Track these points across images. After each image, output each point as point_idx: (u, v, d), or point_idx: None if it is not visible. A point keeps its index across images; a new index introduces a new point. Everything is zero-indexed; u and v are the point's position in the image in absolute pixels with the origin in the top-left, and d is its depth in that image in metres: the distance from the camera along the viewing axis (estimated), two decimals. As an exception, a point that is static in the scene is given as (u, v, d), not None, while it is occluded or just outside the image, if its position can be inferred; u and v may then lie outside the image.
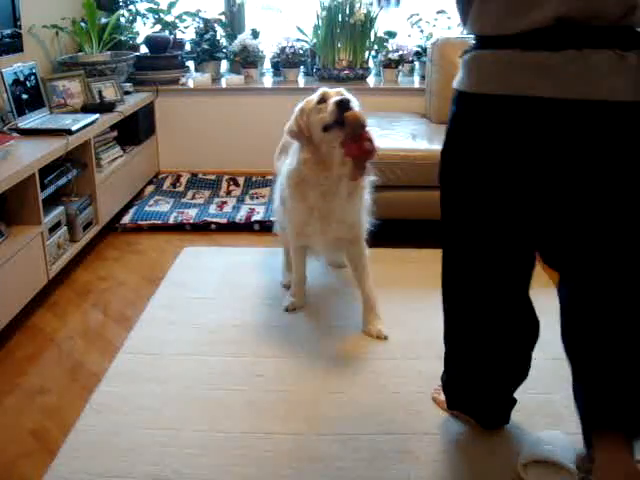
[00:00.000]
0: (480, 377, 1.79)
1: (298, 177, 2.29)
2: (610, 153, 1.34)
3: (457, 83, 1.49)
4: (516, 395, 1.89)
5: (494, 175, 1.45)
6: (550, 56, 1.30)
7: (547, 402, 2.02)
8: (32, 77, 3.13)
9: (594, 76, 1.29)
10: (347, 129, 2.08)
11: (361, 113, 2.12)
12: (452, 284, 1.73)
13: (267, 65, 4.41)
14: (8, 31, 3.03)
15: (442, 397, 1.98)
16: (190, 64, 4.33)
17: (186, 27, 4.24)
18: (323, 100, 2.21)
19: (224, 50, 4.23)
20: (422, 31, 4.15)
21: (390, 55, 4.07)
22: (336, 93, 2.21)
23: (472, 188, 1.52)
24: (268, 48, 4.28)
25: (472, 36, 1.47)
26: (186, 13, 4.20)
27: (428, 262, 2.98)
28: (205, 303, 2.64)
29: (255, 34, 4.25)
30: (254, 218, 3.45)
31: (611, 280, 1.45)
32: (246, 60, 4.12)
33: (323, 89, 2.26)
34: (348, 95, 2.20)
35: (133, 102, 3.68)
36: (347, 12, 3.99)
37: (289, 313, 2.56)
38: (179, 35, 4.25)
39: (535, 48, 1.31)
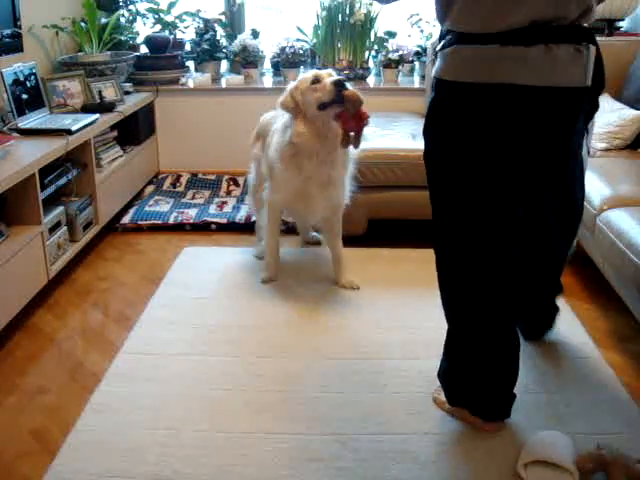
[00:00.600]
0: (482, 359, 1.83)
1: (293, 149, 2.49)
2: (565, 127, 1.65)
3: (437, 72, 1.67)
4: (517, 395, 1.89)
5: (476, 148, 1.64)
6: (525, 50, 1.52)
7: (547, 402, 2.02)
8: (32, 77, 3.13)
9: (559, 67, 1.55)
10: (347, 105, 2.33)
11: (356, 91, 2.36)
12: (453, 259, 1.83)
13: (267, 65, 4.42)
14: (8, 31, 3.03)
15: (442, 397, 1.99)
16: (190, 64, 4.33)
17: (186, 27, 4.24)
18: (317, 80, 2.43)
19: (224, 50, 4.23)
20: (422, 31, 4.16)
21: (390, 55, 4.07)
22: (327, 74, 2.45)
23: (460, 161, 1.68)
24: (268, 48, 4.28)
25: (450, 32, 1.64)
26: (186, 13, 4.20)
27: (427, 262, 2.97)
28: (205, 303, 2.64)
29: (255, 34, 4.25)
30: (254, 218, 3.45)
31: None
32: (246, 60, 4.12)
33: (314, 71, 2.52)
34: (340, 76, 2.47)
35: (133, 102, 3.68)
36: (347, 12, 3.99)
37: (267, 284, 2.77)
38: (179, 35, 4.25)
39: (513, 44, 1.53)
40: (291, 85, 2.53)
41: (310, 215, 2.72)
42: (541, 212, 1.96)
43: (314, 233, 3.18)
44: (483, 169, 1.65)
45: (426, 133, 1.75)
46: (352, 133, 2.36)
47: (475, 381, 1.87)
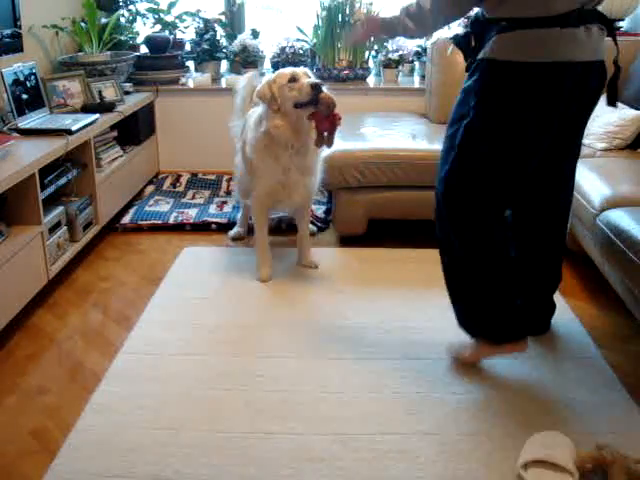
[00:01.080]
0: (501, 286, 2.09)
1: (269, 140, 2.63)
2: (596, 94, 2.02)
3: (497, 54, 1.86)
4: (516, 395, 1.89)
5: (543, 114, 1.92)
6: (576, 31, 1.82)
7: (547, 402, 2.02)
8: (32, 77, 3.13)
9: (594, 44, 1.88)
10: (321, 107, 2.49)
11: (331, 94, 2.52)
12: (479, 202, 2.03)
13: (267, 65, 4.41)
14: (8, 31, 3.02)
15: (466, 353, 2.19)
16: (190, 64, 4.33)
17: (186, 27, 4.24)
18: (294, 79, 2.56)
19: (224, 50, 4.23)
20: (422, 31, 4.15)
21: (390, 55, 4.07)
22: (304, 74, 2.59)
23: (529, 125, 1.93)
24: (268, 48, 4.28)
25: (503, 19, 1.85)
26: (186, 13, 4.20)
27: (427, 262, 2.98)
28: (205, 303, 2.64)
29: (255, 34, 4.25)
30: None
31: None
32: (246, 60, 4.12)
33: (292, 69, 2.63)
34: (316, 78, 2.61)
35: (133, 102, 3.68)
36: (347, 12, 3.99)
37: (265, 282, 2.81)
38: (179, 35, 4.25)
39: (569, 26, 1.81)
40: (269, 77, 2.64)
41: (289, 203, 2.83)
42: (557, 170, 2.16)
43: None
44: (529, 136, 1.93)
45: (478, 108, 1.92)
46: (325, 133, 2.53)
47: (490, 302, 2.10)
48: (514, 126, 1.91)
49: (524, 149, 1.95)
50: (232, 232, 3.26)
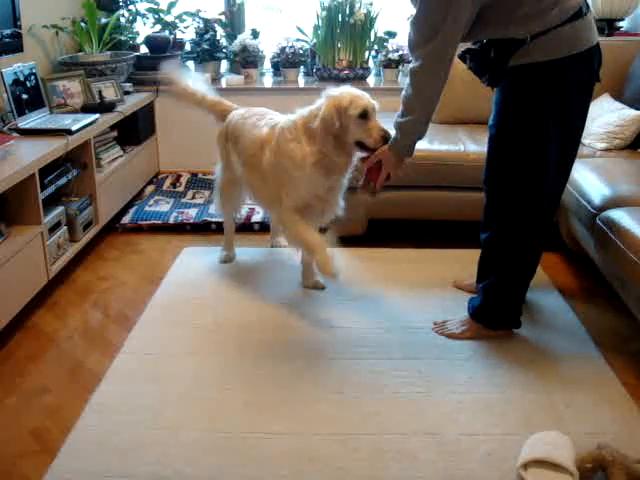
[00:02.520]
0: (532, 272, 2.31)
1: (321, 157, 2.38)
2: (598, 72, 2.12)
3: (564, 52, 1.98)
4: (516, 395, 1.89)
5: (588, 96, 2.12)
6: (588, 18, 2.02)
7: (547, 402, 2.02)
8: (32, 77, 3.13)
9: (595, 27, 2.08)
10: (376, 158, 2.30)
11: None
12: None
13: (267, 65, 4.42)
14: (8, 31, 3.03)
15: (456, 331, 2.37)
16: (190, 64, 4.33)
17: (186, 27, 4.24)
18: (365, 115, 2.31)
19: (224, 50, 4.23)
20: (422, 31, 4.14)
21: (390, 55, 4.07)
22: (373, 109, 2.34)
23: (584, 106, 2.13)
24: (268, 48, 4.28)
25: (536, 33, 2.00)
26: (186, 13, 4.20)
27: (427, 262, 2.99)
28: (205, 303, 2.64)
29: (255, 34, 4.25)
30: (254, 218, 3.45)
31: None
32: (246, 60, 4.12)
33: (362, 97, 2.35)
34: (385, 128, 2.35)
35: (133, 102, 3.68)
36: (347, 12, 3.99)
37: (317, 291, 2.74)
38: (179, 35, 4.25)
39: (583, 16, 1.99)
40: (335, 102, 2.32)
41: (318, 219, 2.61)
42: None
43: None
44: (581, 120, 2.12)
45: (541, 110, 2.04)
46: (371, 183, 2.36)
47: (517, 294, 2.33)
48: (575, 115, 2.08)
49: (580, 133, 2.15)
50: (221, 256, 3.01)
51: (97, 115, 3.18)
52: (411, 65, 2.08)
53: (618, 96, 3.28)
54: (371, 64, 4.26)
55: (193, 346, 2.34)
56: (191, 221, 3.43)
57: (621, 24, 3.89)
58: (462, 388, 2.09)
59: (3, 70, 2.91)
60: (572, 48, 1.98)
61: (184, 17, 4.20)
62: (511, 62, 2.02)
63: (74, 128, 2.89)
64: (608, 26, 3.77)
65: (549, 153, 2.08)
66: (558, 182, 2.19)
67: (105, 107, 3.37)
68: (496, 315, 2.36)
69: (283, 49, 4.14)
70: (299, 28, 4.28)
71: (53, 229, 2.72)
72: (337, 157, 2.38)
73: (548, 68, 1.99)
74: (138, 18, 4.18)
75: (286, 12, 4.56)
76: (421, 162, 3.04)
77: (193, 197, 3.81)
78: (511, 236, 2.24)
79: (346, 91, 2.36)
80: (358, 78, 4.10)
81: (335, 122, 2.30)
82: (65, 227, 2.83)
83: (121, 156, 3.50)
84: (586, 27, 2.01)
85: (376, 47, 4.20)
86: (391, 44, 4.10)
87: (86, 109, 3.31)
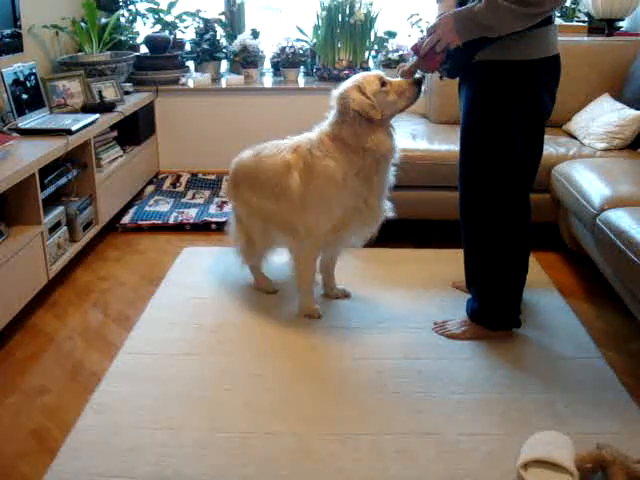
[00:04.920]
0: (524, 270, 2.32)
1: (360, 163, 2.27)
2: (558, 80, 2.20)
3: (538, 53, 2.05)
4: (516, 396, 1.89)
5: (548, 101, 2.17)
6: (555, 26, 2.10)
7: (547, 402, 2.02)
8: (32, 77, 3.13)
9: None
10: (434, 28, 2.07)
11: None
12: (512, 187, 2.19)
13: (267, 65, 4.42)
14: (8, 31, 3.03)
15: (456, 331, 2.37)
16: (190, 64, 4.33)
17: (186, 27, 4.24)
18: (384, 83, 2.22)
19: (224, 50, 4.23)
20: (422, 31, 4.14)
21: (390, 55, 4.07)
22: (383, 75, 2.25)
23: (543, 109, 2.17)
24: (268, 48, 4.28)
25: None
26: (186, 13, 4.20)
27: (427, 262, 2.99)
28: (205, 303, 2.64)
29: (255, 34, 4.25)
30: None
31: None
32: (246, 60, 4.12)
33: (374, 74, 2.25)
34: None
35: (133, 102, 3.68)
36: (347, 12, 3.99)
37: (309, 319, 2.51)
38: (179, 35, 4.25)
39: (553, 22, 2.07)
40: (353, 89, 2.20)
41: (359, 234, 2.46)
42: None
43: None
44: (538, 119, 2.15)
45: (508, 104, 2.08)
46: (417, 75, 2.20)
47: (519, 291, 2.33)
48: (539, 113, 2.14)
49: (543, 129, 2.20)
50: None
51: (97, 115, 3.18)
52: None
53: (618, 96, 3.28)
54: (371, 64, 4.26)
55: (193, 346, 2.34)
56: (191, 221, 3.44)
57: (621, 24, 3.89)
58: (462, 388, 2.09)
59: (3, 70, 2.91)
60: (545, 51, 2.06)
61: (184, 17, 4.20)
62: (480, 56, 2.04)
63: (74, 128, 2.89)
64: (608, 26, 3.77)
65: (516, 146, 2.12)
66: (529, 172, 2.22)
67: (105, 107, 3.37)
68: (494, 316, 2.35)
69: (283, 49, 4.14)
70: (299, 28, 4.28)
71: (53, 229, 2.72)
72: (382, 145, 2.24)
73: (522, 67, 2.04)
74: (138, 18, 4.18)
75: (286, 12, 4.56)
76: (421, 162, 3.05)
77: (193, 197, 3.81)
78: (491, 235, 2.23)
79: (350, 80, 2.28)
80: (358, 78, 4.10)
81: (371, 101, 2.17)
82: (65, 227, 2.83)
83: (121, 156, 3.50)
84: (556, 34, 2.10)
85: (376, 47, 4.20)
86: (391, 44, 4.10)
87: (86, 109, 3.31)
